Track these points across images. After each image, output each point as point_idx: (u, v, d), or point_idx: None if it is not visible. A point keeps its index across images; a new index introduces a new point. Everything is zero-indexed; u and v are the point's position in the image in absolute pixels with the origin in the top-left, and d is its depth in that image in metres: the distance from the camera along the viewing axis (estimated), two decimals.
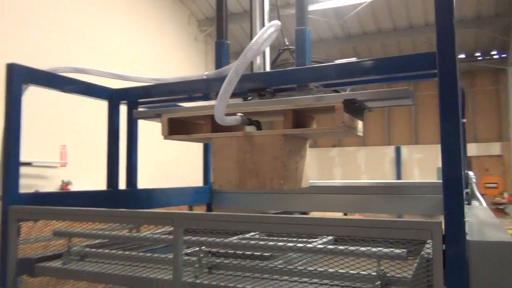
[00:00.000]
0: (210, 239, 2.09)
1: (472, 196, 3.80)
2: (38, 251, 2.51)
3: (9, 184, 2.37)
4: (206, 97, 3.06)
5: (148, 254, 2.36)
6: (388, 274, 1.74)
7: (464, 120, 3.28)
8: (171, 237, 1.99)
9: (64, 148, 7.70)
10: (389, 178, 13.27)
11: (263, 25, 2.86)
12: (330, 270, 1.81)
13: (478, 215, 2.45)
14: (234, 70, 2.10)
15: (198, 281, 1.95)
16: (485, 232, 1.70)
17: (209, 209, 4.08)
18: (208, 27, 12.34)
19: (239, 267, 2.10)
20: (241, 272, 2.07)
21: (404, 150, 13.65)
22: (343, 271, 1.79)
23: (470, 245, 1.47)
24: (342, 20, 11.73)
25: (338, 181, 3.76)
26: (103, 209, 2.24)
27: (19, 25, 7.09)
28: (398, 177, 13.13)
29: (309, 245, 1.95)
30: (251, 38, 2.79)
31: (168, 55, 11.14)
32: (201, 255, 2.08)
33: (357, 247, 1.73)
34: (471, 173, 3.93)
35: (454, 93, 1.57)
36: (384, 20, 11.93)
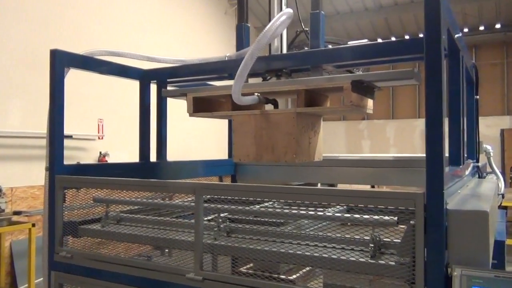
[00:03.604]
0: (227, 206, 2.36)
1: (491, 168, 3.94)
2: (80, 216, 2.86)
3: (55, 157, 2.71)
4: (230, 76, 3.30)
5: (175, 219, 2.66)
6: (384, 239, 1.97)
7: (477, 97, 3.39)
8: (193, 204, 2.28)
9: (101, 121, 8.15)
10: (418, 151, 13.21)
11: (281, 3, 3.03)
12: (329, 234, 2.05)
13: (479, 187, 2.62)
14: (249, 55, 2.31)
15: (216, 242, 2.23)
16: (467, 202, 1.89)
17: (233, 180, 4.38)
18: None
19: (254, 231, 2.36)
20: (255, 236, 2.34)
21: None
22: (339, 235, 2.02)
23: (448, 213, 1.68)
24: None
25: (353, 155, 3.96)
26: (135, 179, 2.54)
27: (57, 9, 7.46)
28: None
29: (311, 212, 2.19)
30: (269, 18, 3.00)
31: (200, 29, 11.36)
32: (220, 220, 2.36)
33: (354, 215, 1.97)
34: (488, 147, 4.03)
35: (438, 76, 1.74)
36: None
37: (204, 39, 11.47)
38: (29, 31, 6.99)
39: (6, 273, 6.60)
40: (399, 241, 1.88)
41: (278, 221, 2.59)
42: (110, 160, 8.12)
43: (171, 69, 3.32)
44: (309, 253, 1.97)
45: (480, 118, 3.67)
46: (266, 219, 2.64)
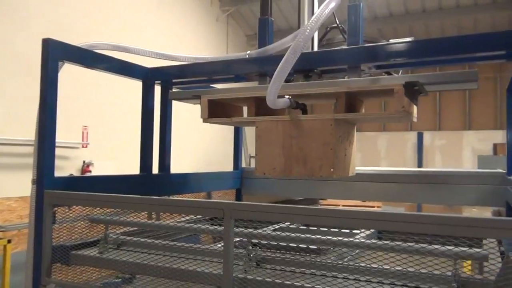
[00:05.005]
0: (257, 231, 1.94)
1: None
2: (73, 237, 2.39)
3: (44, 168, 2.23)
4: (242, 78, 2.89)
5: (185, 245, 2.22)
6: (462, 275, 1.59)
7: None
8: (220, 228, 1.85)
9: (86, 128, 7.60)
10: (410, 164, 12.96)
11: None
12: (398, 268, 1.65)
13: None
14: (292, 49, 1.91)
15: (249, 276, 1.80)
16: None
17: (238, 194, 3.95)
18: (230, 7, 12.05)
19: (289, 261, 1.96)
20: (290, 267, 1.93)
21: (427, 136, 13.31)
22: (413, 269, 1.63)
23: None
24: (369, 0, 11.36)
25: (371, 168, 3.52)
26: (142, 197, 2.10)
27: (43, 7, 6.95)
28: (420, 164, 12.80)
29: (367, 241, 1.79)
30: (298, 14, 2.61)
31: (190, 36, 10.90)
32: (250, 247, 1.94)
33: (433, 246, 1.57)
34: None
35: None
36: (413, 1, 11.51)
37: (195, 46, 11.02)
38: (7, 31, 6.44)
39: None
40: (492, 279, 1.50)
41: (310, 247, 2.18)
42: (95, 170, 7.57)
43: (180, 67, 2.89)
44: None
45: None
46: (296, 244, 2.22)
